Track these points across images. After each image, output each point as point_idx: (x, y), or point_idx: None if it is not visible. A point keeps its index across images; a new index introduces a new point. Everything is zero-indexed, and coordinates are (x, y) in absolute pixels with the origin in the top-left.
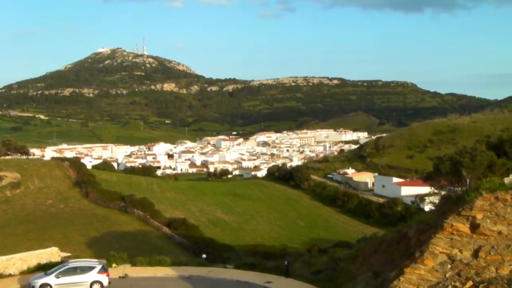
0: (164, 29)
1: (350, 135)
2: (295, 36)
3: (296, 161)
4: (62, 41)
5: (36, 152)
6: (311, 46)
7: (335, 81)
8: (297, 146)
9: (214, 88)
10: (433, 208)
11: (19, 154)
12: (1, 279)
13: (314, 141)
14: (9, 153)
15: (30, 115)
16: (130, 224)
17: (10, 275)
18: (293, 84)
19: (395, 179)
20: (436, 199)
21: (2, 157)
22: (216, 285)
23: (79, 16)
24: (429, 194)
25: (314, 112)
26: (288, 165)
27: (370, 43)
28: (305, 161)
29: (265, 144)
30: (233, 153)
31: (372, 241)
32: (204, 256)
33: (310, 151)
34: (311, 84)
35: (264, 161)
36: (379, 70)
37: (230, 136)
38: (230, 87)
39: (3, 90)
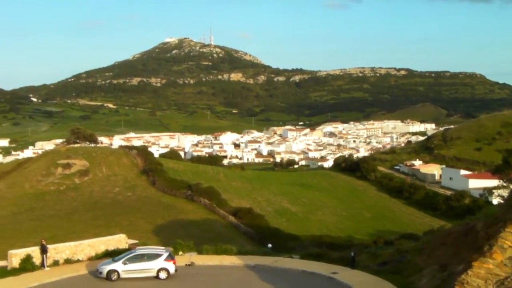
0: (231, 19)
1: (417, 127)
2: (362, 26)
3: (363, 152)
4: (131, 31)
5: (104, 140)
6: (378, 36)
7: (403, 72)
8: (364, 137)
9: (281, 78)
10: (501, 201)
11: (87, 142)
12: (70, 264)
13: (381, 132)
14: (78, 141)
15: (99, 104)
16: (196, 212)
17: (78, 260)
18: (360, 74)
19: (463, 172)
20: (505, 193)
21: (71, 145)
22: (281, 275)
23: (147, 6)
24: (497, 187)
25: (381, 103)
26: (355, 156)
27: (437, 33)
28: (372, 152)
29: (331, 134)
30: (300, 143)
31: (439, 234)
32: (269, 245)
33: (377, 142)
34: (378, 75)
35: (330, 152)
36: (447, 61)
37: (297, 127)
38: (297, 78)
39: (72, 80)
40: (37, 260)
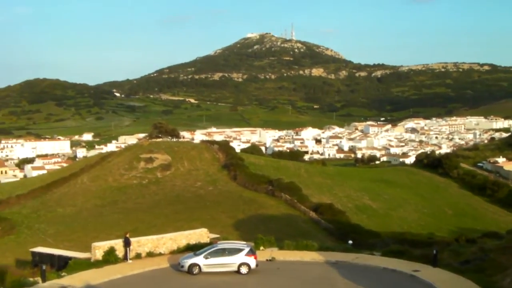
0: (312, 14)
1: (501, 123)
2: (445, 20)
3: (445, 149)
4: (213, 26)
5: (186, 135)
6: (460, 30)
7: (486, 67)
8: (446, 133)
9: (363, 74)
10: None
11: (169, 137)
12: (152, 257)
13: (464, 129)
14: (160, 135)
15: (181, 98)
16: (277, 207)
17: (160, 254)
18: (443, 70)
19: None
20: None
21: (154, 140)
22: (362, 271)
23: (229, 2)
24: None
25: (464, 99)
26: (437, 152)
27: None
28: (454, 148)
29: (413, 130)
30: (381, 139)
31: None
32: (350, 242)
33: (459, 139)
34: (461, 70)
35: (412, 148)
36: None
37: (378, 122)
38: (378, 73)
39: (155, 75)
40: (120, 253)
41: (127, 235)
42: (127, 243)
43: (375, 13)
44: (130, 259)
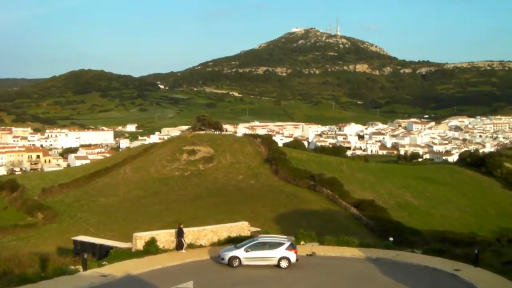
0: (357, 10)
1: None
2: (490, 18)
3: (489, 148)
4: (257, 20)
5: (229, 128)
6: (507, 28)
7: None
8: (491, 132)
9: (407, 70)
10: None
11: (212, 130)
12: (193, 249)
13: (508, 128)
14: (203, 128)
15: (224, 92)
16: (318, 202)
17: (201, 246)
18: (488, 68)
19: None
20: None
21: (197, 132)
22: (403, 269)
23: None
24: None
25: (509, 98)
26: (481, 151)
27: None
28: (499, 147)
29: (457, 128)
30: (424, 137)
31: None
32: (391, 239)
33: (504, 138)
34: (507, 68)
35: (455, 146)
36: None
37: (422, 119)
38: (423, 70)
39: (199, 68)
40: (161, 243)
41: (181, 226)
42: (180, 234)
43: (420, 10)
44: (184, 249)
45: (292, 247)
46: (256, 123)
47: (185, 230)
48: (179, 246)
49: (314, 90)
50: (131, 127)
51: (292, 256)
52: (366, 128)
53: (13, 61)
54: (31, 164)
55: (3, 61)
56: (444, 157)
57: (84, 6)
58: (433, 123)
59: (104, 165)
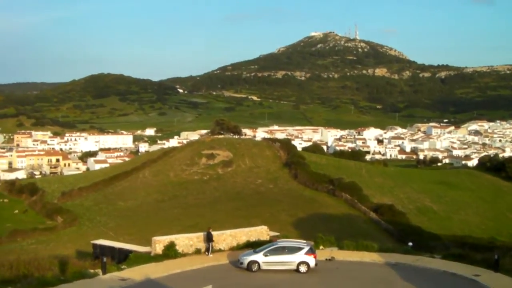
0: (376, 14)
1: None
2: (510, 22)
3: (509, 152)
4: (276, 24)
5: (247, 132)
6: None
7: None
8: (510, 137)
9: (426, 74)
10: None
11: (231, 134)
12: (212, 253)
13: None
14: (222, 132)
15: (243, 96)
16: (337, 207)
17: (220, 250)
18: (508, 72)
19: None
20: None
21: (216, 136)
22: (422, 274)
23: (293, 1)
24: None
25: None
26: (500, 155)
27: None
28: None
29: (476, 133)
30: (444, 141)
31: None
32: (410, 243)
33: None
34: None
35: (475, 151)
36: None
37: (441, 124)
38: (442, 74)
39: (218, 72)
40: (180, 247)
41: (210, 230)
42: (209, 238)
43: (439, 14)
44: (211, 254)
45: (311, 251)
46: (275, 127)
47: (203, 234)
48: (207, 250)
49: (333, 94)
50: (150, 131)
51: (311, 261)
52: (385, 133)
53: (33, 65)
54: (50, 167)
55: (23, 65)
56: (463, 162)
57: (104, 10)
58: (452, 128)
59: (123, 169)
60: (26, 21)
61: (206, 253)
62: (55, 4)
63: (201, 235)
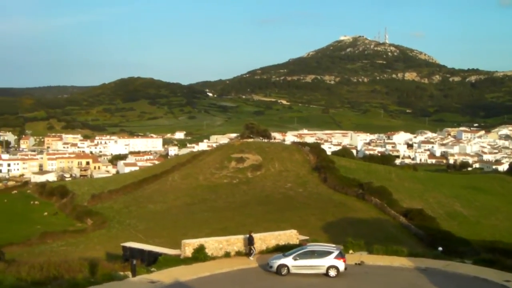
0: (406, 18)
1: None
2: None
3: None
4: (305, 28)
5: (277, 136)
6: None
7: None
8: None
9: (456, 79)
10: None
11: (261, 138)
12: (241, 256)
13: None
14: (251, 136)
15: (272, 100)
16: (367, 211)
17: None
18: None
19: None
20: None
21: (245, 140)
22: (452, 279)
23: (323, 4)
24: None
25: None
26: None
27: None
28: None
29: (507, 137)
30: (474, 146)
31: None
32: (440, 248)
33: None
34: None
35: (506, 155)
36: None
37: (471, 128)
38: (472, 78)
39: (248, 75)
40: (209, 251)
41: (251, 233)
42: (250, 241)
43: (469, 18)
44: (252, 257)
45: (340, 255)
46: (305, 131)
47: (232, 238)
48: (249, 253)
49: (362, 98)
50: (179, 135)
51: (341, 265)
52: (415, 137)
53: (63, 68)
54: (80, 170)
55: (54, 69)
56: (494, 167)
57: (134, 14)
58: (482, 132)
59: (152, 172)
60: (58, 25)
61: (250, 256)
62: (86, 7)
63: (230, 238)
